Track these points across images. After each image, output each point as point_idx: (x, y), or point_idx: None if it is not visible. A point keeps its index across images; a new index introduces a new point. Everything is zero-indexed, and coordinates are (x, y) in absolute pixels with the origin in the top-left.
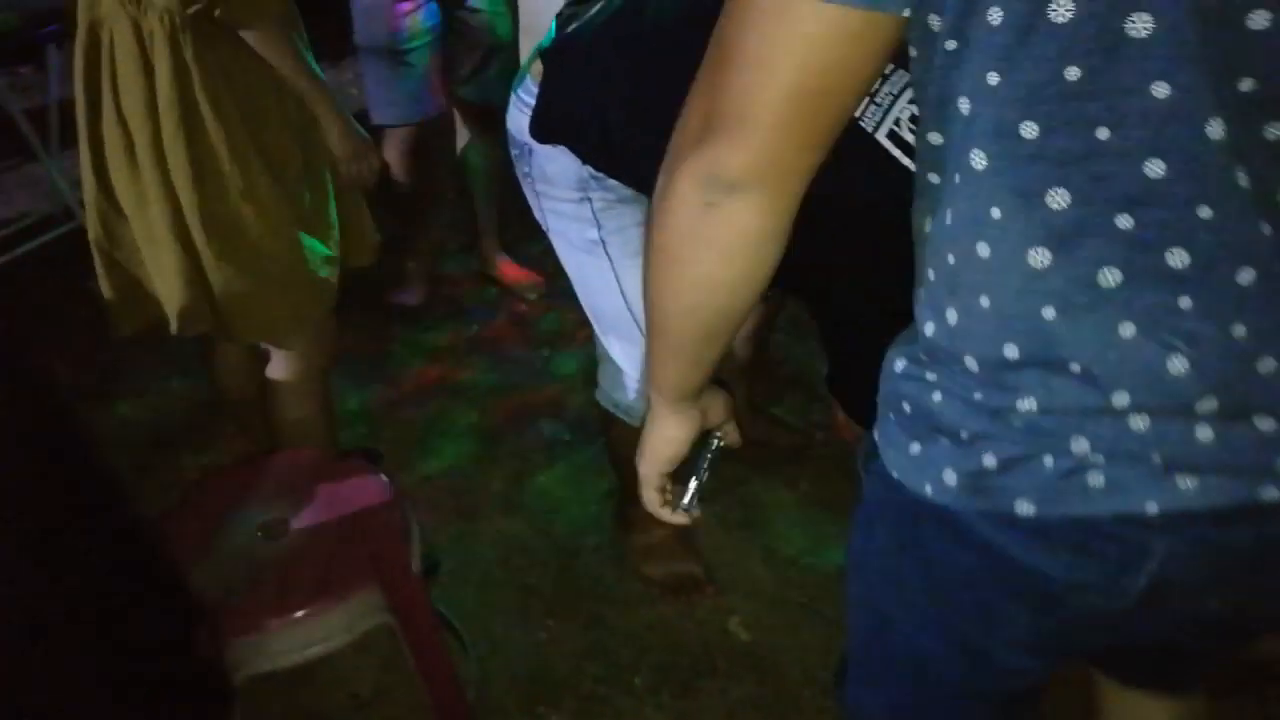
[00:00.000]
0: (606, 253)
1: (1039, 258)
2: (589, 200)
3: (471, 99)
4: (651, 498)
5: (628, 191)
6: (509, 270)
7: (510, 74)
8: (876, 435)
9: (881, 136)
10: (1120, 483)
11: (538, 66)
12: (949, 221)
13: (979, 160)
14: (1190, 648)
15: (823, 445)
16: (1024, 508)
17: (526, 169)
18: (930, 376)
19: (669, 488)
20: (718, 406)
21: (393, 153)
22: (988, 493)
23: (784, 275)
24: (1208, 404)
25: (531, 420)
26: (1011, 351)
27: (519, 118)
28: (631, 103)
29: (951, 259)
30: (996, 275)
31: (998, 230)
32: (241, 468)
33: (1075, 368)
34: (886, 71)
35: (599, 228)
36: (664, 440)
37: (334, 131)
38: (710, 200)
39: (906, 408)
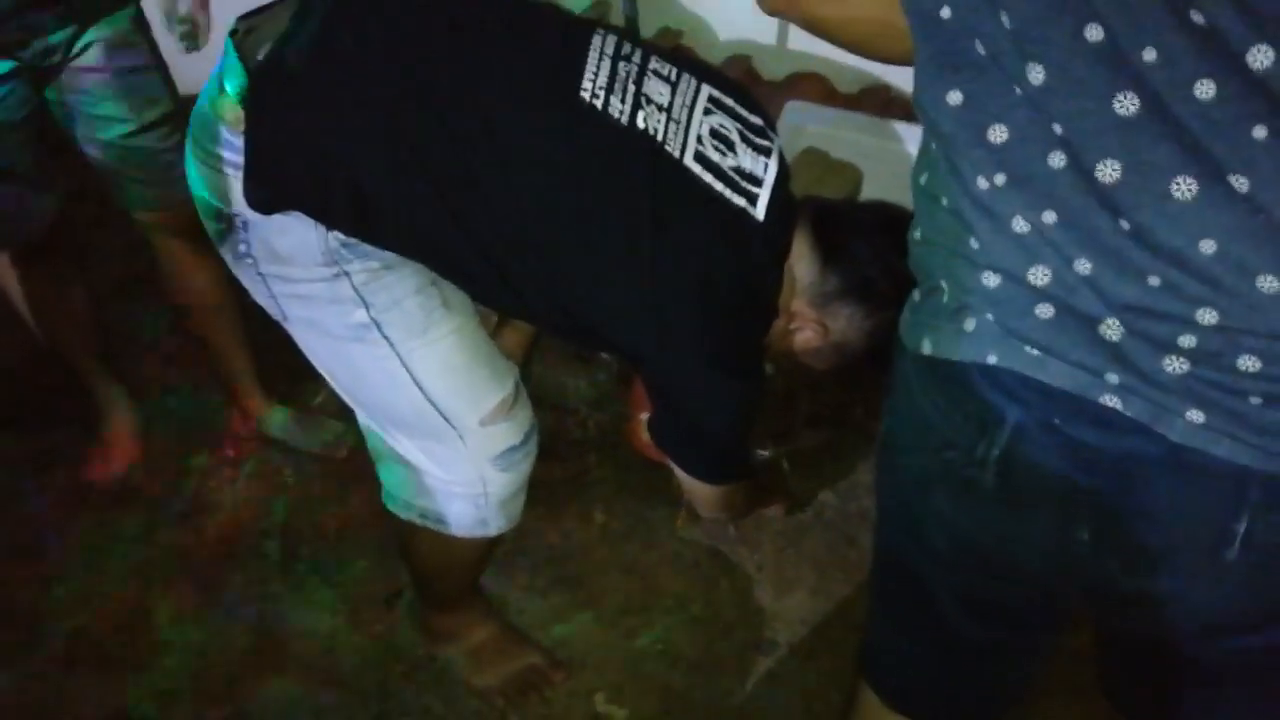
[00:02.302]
0: (384, 336)
1: None
2: (346, 276)
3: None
4: None
5: (393, 255)
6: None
7: None
8: None
9: (689, 160)
10: (979, 332)
11: (232, 111)
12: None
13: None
14: (1053, 604)
15: (598, 467)
16: (926, 346)
17: (244, 248)
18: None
19: None
20: None
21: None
22: (910, 329)
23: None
24: (1042, 279)
25: (254, 546)
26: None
27: (222, 182)
28: (392, 136)
29: None
30: None
31: None
32: None
33: (944, 200)
34: (672, 78)
35: (367, 307)
36: None
37: None
38: None
39: None
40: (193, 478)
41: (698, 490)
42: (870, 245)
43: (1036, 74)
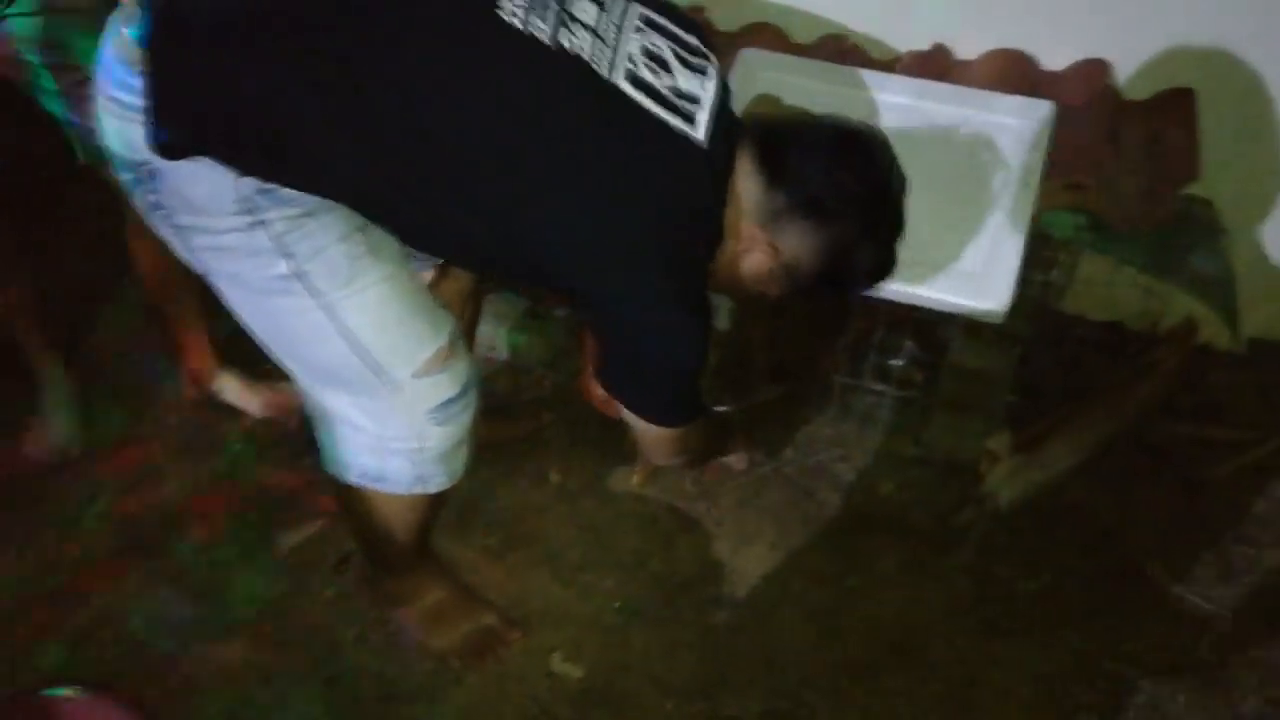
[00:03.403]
0: (307, 288)
1: None
2: (263, 225)
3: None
4: None
5: (314, 199)
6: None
7: None
8: None
9: (621, 81)
10: None
11: (129, 49)
12: None
13: None
14: None
15: (552, 425)
16: None
17: (154, 198)
18: None
19: None
20: None
21: None
22: None
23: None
24: None
25: (202, 513)
26: None
27: (124, 128)
28: (302, 67)
29: None
30: None
31: None
32: None
33: None
34: None
35: (287, 258)
36: None
37: None
38: None
39: None
40: (140, 444)
41: (650, 436)
42: (816, 161)
43: None
